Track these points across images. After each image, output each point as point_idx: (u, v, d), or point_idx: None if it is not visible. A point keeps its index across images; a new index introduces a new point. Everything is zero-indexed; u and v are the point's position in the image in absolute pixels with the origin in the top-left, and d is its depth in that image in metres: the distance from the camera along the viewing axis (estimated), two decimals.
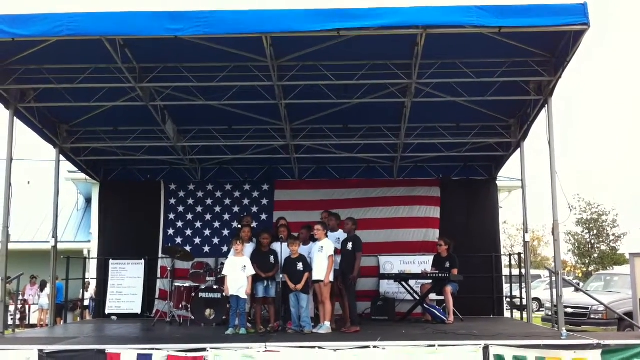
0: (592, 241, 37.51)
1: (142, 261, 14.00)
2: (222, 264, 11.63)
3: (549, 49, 9.80)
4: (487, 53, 9.86)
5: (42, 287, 20.23)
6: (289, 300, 10.32)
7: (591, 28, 8.28)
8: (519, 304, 13.67)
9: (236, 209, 14.45)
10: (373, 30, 8.49)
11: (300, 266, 10.25)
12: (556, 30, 8.59)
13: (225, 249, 13.72)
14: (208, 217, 14.56)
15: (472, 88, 10.62)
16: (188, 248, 13.71)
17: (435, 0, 9.12)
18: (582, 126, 75.93)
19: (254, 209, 14.47)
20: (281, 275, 10.50)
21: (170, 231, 14.50)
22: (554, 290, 10.35)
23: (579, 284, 20.96)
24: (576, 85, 75.07)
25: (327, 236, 10.49)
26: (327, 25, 8.39)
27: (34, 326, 19.40)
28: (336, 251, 10.51)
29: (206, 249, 14.34)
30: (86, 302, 17.36)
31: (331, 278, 10.32)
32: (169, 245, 13.79)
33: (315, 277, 10.26)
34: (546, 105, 10.23)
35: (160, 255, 14.15)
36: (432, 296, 12.41)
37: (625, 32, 77.59)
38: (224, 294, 10.54)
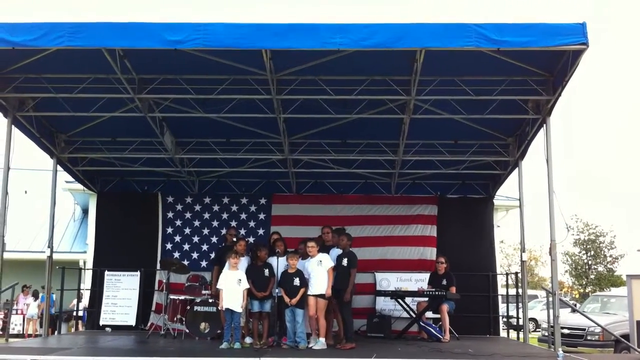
0: (590, 262, 37.42)
1: (138, 273, 13.89)
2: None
3: (548, 68, 9.82)
4: (486, 71, 9.87)
5: (36, 297, 20.14)
6: (285, 315, 10.25)
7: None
8: (515, 323, 13.60)
9: (233, 223, 14.30)
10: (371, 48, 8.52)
11: (296, 281, 10.18)
12: (555, 50, 8.61)
13: None
14: (205, 231, 14.48)
15: (470, 105, 10.62)
16: (186, 262, 13.60)
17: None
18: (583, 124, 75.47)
19: (251, 224, 14.43)
20: (277, 290, 10.44)
21: (169, 245, 14.43)
22: (551, 311, 10.30)
23: (575, 305, 20.87)
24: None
25: (319, 252, 10.40)
26: (327, 42, 8.41)
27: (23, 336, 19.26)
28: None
29: (203, 263, 14.20)
30: (80, 313, 17.24)
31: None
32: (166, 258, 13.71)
33: (314, 291, 10.13)
34: (544, 125, 10.23)
35: (157, 268, 14.04)
36: (429, 314, 12.34)
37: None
38: (219, 308, 10.48)
